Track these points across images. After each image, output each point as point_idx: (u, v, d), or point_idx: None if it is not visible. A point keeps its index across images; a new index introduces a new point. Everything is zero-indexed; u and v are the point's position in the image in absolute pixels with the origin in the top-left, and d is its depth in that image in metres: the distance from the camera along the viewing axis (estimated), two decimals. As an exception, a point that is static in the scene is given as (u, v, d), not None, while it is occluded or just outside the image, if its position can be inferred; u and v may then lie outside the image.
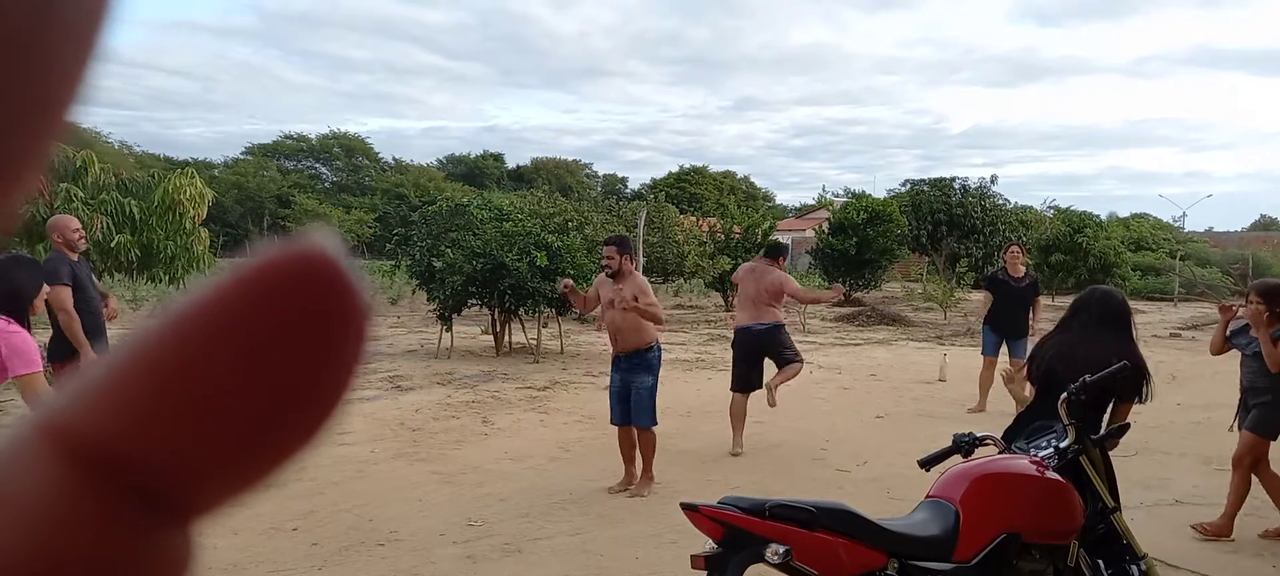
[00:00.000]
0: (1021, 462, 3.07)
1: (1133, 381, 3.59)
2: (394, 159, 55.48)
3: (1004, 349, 8.31)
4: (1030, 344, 8.40)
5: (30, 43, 0.15)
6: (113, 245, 10.13)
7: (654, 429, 5.66)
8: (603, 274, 5.74)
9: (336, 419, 0.17)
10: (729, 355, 7.02)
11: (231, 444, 0.16)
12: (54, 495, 0.16)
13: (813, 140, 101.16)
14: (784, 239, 27.95)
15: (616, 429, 5.75)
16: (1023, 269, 8.48)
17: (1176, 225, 32.77)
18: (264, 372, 0.16)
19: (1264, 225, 47.65)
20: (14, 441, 0.17)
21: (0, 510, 0.16)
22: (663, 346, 5.85)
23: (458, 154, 59.00)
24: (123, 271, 11.13)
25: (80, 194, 10.12)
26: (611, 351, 5.74)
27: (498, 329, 12.09)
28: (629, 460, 5.72)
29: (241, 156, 50.59)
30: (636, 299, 5.50)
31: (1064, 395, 3.23)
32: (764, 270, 6.82)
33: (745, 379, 6.73)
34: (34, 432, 0.17)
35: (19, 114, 0.15)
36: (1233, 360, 6.10)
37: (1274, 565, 4.55)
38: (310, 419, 0.17)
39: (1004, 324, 8.23)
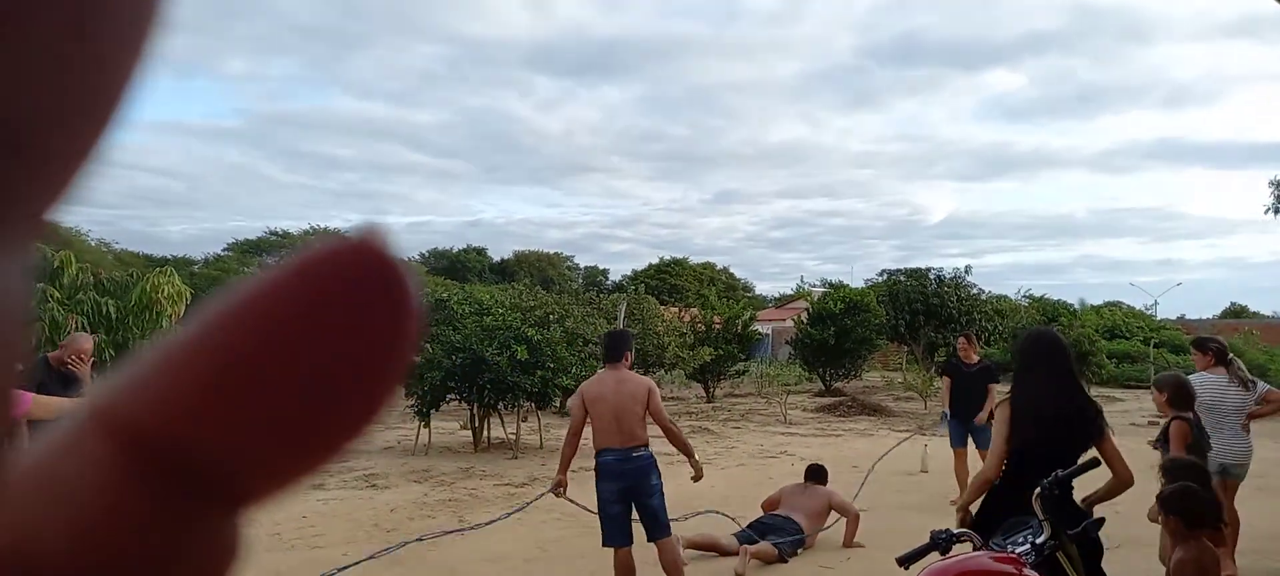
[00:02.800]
0: (1000, 561, 3.07)
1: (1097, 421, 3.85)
2: (375, 253, 55.59)
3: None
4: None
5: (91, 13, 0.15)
6: (87, 344, 10.02)
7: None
8: (623, 368, 5.15)
9: (384, 410, 0.17)
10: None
11: (281, 433, 0.17)
12: (104, 481, 0.16)
13: (792, 232, 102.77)
14: (764, 329, 28.12)
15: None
16: (976, 356, 8.83)
17: (1149, 312, 33.27)
18: (313, 362, 0.16)
19: (1234, 312, 48.36)
20: (67, 427, 0.17)
21: (51, 495, 0.16)
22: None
23: (441, 248, 59.33)
24: (96, 372, 10.98)
25: (56, 294, 10.08)
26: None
27: (476, 424, 11.98)
28: None
29: (223, 253, 50.59)
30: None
31: (1038, 491, 3.25)
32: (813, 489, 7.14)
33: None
34: (86, 419, 0.17)
35: (78, 90, 0.15)
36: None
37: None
38: (358, 409, 0.17)
39: (962, 410, 8.54)
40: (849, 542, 6.82)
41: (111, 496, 0.16)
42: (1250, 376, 6.15)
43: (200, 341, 0.17)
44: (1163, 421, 5.27)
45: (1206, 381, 6.03)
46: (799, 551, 6.56)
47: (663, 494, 4.96)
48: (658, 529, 4.91)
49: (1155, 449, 5.29)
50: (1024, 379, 4.06)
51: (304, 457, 0.17)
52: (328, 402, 0.17)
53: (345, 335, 0.16)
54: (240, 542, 0.18)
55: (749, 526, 6.69)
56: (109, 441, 0.17)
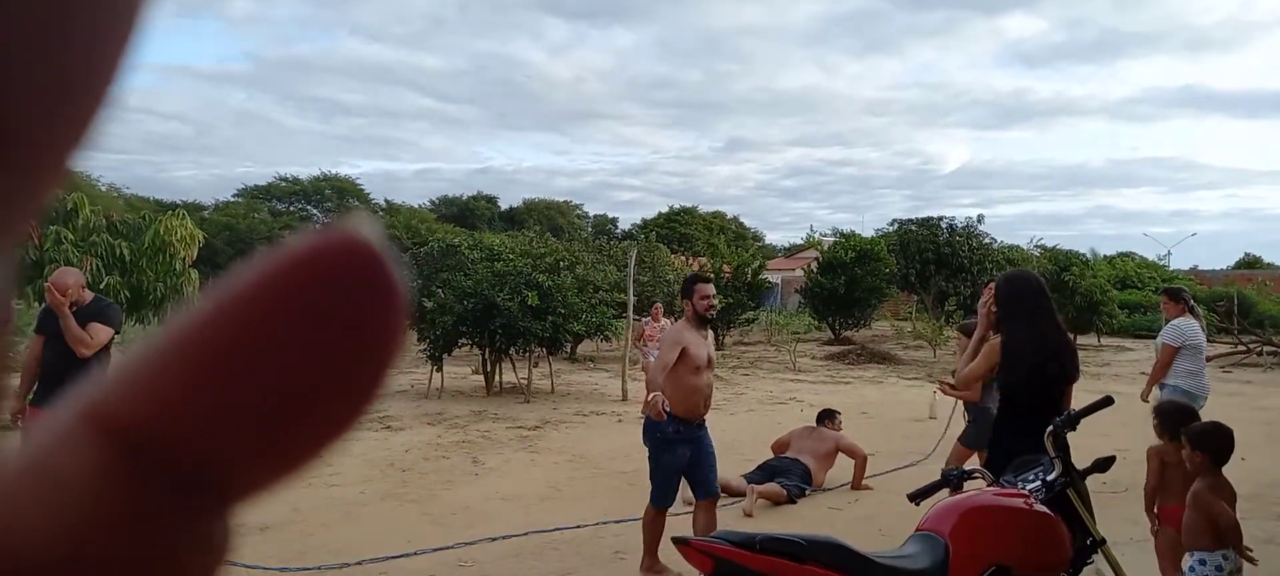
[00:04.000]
0: (1009, 496, 3.10)
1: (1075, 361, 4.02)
2: (386, 200, 55.58)
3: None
4: None
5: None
6: (103, 287, 10.11)
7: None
8: (686, 326, 4.77)
9: (371, 407, 0.17)
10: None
11: (268, 430, 0.16)
12: (92, 479, 0.16)
13: (803, 181, 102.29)
14: (774, 278, 28.08)
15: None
16: None
17: (1162, 263, 33.09)
18: (301, 358, 0.16)
19: (1248, 262, 47.98)
20: (55, 425, 0.17)
21: (38, 492, 0.16)
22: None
23: (450, 195, 59.21)
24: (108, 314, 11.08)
25: (70, 236, 10.13)
26: (676, 417, 4.61)
27: (488, 369, 12.08)
28: (657, 543, 4.70)
29: (232, 199, 50.64)
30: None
31: (1050, 429, 3.27)
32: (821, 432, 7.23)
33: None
34: (74, 417, 0.17)
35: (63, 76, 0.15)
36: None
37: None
38: (346, 406, 0.17)
39: None
40: (857, 484, 6.89)
41: (98, 494, 0.16)
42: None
43: (187, 338, 0.16)
44: None
45: (1193, 327, 6.59)
46: (807, 492, 6.64)
47: (651, 461, 4.79)
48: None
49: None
50: (1014, 321, 4.07)
51: (291, 454, 0.17)
52: (315, 399, 0.16)
53: (333, 331, 0.16)
54: (228, 539, 0.18)
55: (758, 468, 6.77)
56: (96, 439, 0.16)
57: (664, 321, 9.85)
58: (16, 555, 0.16)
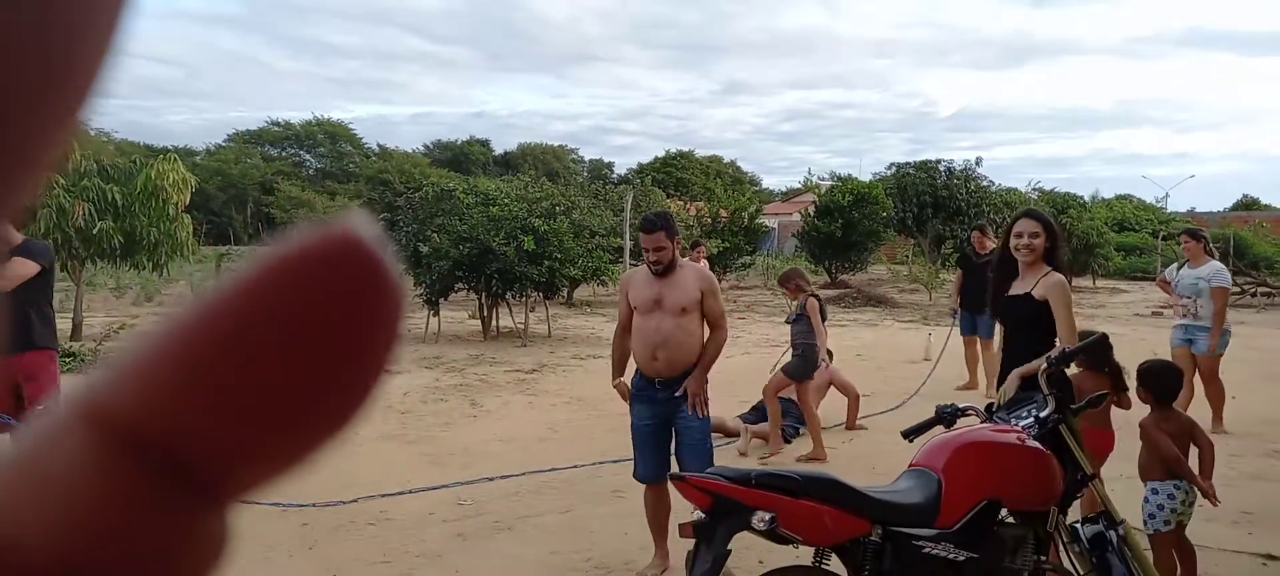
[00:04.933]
0: (1002, 432, 3.12)
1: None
2: (379, 145, 55.11)
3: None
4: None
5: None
6: (95, 232, 10.06)
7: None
8: (641, 269, 4.19)
9: (370, 402, 0.17)
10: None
11: (266, 425, 0.17)
12: (90, 475, 0.16)
13: (801, 124, 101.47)
14: (771, 222, 27.99)
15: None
16: (990, 244, 8.71)
17: (1160, 205, 33.02)
18: (298, 355, 0.16)
19: (1246, 204, 47.90)
20: (52, 421, 0.17)
21: (38, 489, 0.16)
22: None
23: (444, 140, 58.71)
24: (105, 258, 11.05)
25: (61, 181, 10.03)
26: (638, 371, 4.10)
27: (485, 313, 12.10)
28: (661, 530, 4.06)
29: (224, 144, 50.16)
30: (704, 298, 3.98)
31: (1043, 366, 3.28)
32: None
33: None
34: (71, 413, 0.17)
35: (42, 84, 0.15)
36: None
37: (1249, 532, 4.64)
38: (344, 402, 0.17)
39: (970, 300, 8.45)
40: (851, 424, 6.96)
41: (97, 489, 0.16)
42: None
43: (186, 334, 0.16)
44: (798, 301, 6.35)
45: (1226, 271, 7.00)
46: (801, 431, 6.70)
47: None
48: None
49: (789, 322, 6.49)
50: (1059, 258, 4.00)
51: (291, 449, 0.17)
52: (314, 395, 0.17)
53: (331, 328, 0.16)
54: (227, 533, 0.18)
55: (753, 409, 6.82)
56: (94, 434, 0.16)
57: (703, 264, 9.72)
58: (16, 552, 0.16)
